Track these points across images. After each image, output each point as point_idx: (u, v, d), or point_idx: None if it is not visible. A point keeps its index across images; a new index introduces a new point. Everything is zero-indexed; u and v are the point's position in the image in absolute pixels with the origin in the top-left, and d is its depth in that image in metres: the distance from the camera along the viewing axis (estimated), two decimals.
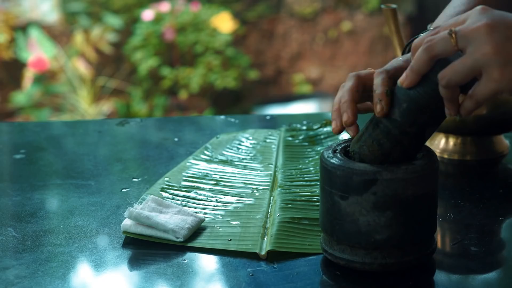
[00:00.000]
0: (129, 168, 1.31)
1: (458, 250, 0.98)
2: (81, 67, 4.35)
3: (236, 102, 4.67)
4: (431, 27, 1.17)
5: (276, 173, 1.21)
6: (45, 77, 4.33)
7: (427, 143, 1.27)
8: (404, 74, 0.85)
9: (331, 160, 0.90)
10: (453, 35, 0.81)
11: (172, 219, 1.00)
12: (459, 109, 0.84)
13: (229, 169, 1.23)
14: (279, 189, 1.14)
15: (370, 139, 0.89)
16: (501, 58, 0.79)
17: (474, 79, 0.82)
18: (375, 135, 0.89)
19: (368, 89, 0.92)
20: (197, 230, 1.01)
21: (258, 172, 1.22)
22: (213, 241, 0.99)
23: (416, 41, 0.85)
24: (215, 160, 1.27)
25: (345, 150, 0.93)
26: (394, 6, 1.31)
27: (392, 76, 0.89)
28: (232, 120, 1.55)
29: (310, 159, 1.27)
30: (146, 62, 4.38)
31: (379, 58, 4.72)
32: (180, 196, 1.12)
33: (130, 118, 1.67)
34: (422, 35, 0.85)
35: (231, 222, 1.04)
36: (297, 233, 1.00)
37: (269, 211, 1.07)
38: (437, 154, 1.29)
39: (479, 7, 0.81)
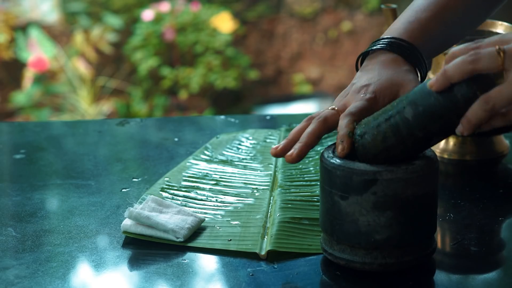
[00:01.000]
0: (129, 168, 1.31)
1: (458, 250, 0.98)
2: (81, 67, 4.35)
3: (236, 102, 4.67)
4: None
5: (276, 173, 1.21)
6: (45, 77, 4.33)
7: None
8: (435, 77, 0.83)
9: (331, 160, 0.90)
10: (501, 53, 0.78)
11: (172, 219, 1.00)
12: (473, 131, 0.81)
13: (229, 169, 1.23)
14: (279, 189, 1.14)
15: (377, 130, 0.89)
16: None
17: None
18: (383, 127, 0.88)
19: (332, 129, 0.97)
20: (197, 230, 1.01)
21: (258, 172, 1.22)
22: (213, 241, 0.99)
23: (454, 49, 0.82)
24: (215, 160, 1.27)
25: None
26: (394, 6, 1.31)
27: (358, 119, 0.92)
28: (232, 120, 1.54)
29: (310, 159, 1.27)
30: (146, 62, 4.38)
31: None
32: (180, 196, 1.12)
33: (130, 118, 1.67)
34: (461, 46, 0.82)
35: (231, 222, 1.04)
36: (297, 233, 1.00)
37: (269, 211, 1.07)
38: (437, 154, 1.29)
39: None
